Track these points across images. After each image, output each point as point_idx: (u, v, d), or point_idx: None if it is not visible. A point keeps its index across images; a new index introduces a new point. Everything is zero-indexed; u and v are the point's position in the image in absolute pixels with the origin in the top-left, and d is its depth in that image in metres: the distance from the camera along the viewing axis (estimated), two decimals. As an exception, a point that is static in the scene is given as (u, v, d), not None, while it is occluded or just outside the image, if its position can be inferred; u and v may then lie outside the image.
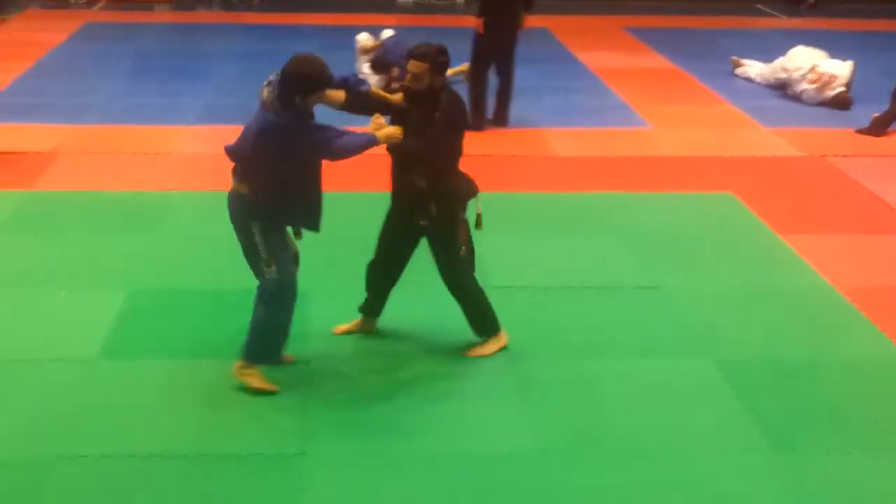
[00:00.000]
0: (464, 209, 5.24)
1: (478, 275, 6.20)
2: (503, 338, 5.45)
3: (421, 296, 5.74)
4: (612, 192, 7.90)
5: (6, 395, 4.93)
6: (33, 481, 4.28)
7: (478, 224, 5.33)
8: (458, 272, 5.29)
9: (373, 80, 10.61)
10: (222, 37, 13.44)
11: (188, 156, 8.62)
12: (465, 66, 11.04)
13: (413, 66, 5.01)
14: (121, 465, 4.37)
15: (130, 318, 5.71)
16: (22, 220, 7.10)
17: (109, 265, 6.39)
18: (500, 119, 9.54)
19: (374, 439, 4.61)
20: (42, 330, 5.55)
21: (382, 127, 4.85)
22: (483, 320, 5.42)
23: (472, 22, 9.42)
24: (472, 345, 5.41)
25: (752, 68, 11.64)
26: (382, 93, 5.29)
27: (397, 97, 5.17)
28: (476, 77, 9.55)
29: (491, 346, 5.41)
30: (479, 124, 9.25)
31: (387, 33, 11.10)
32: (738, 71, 11.79)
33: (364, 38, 11.06)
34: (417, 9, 15.85)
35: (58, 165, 8.23)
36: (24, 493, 4.20)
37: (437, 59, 5.03)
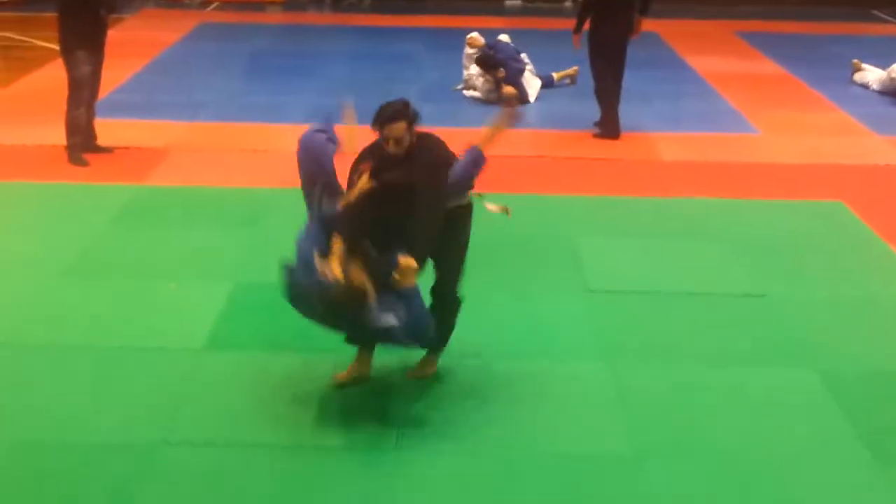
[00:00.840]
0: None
1: (578, 278, 6.21)
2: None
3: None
4: (720, 199, 7.78)
5: (115, 381, 5.07)
6: (139, 465, 4.39)
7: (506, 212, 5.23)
8: (458, 280, 5.03)
9: (479, 82, 10.63)
10: (331, 37, 13.65)
11: (293, 154, 8.72)
12: (572, 69, 11.03)
13: (392, 130, 4.61)
14: (223, 453, 4.45)
15: (235, 310, 5.83)
16: (134, 213, 7.30)
17: (216, 259, 6.54)
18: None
19: (464, 437, 4.60)
20: (151, 320, 5.70)
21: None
22: (447, 334, 5.07)
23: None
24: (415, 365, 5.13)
25: (871, 73, 11.35)
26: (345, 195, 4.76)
27: (362, 182, 4.64)
28: (601, 75, 9.26)
29: (434, 365, 5.10)
30: (615, 130, 9.22)
31: (503, 37, 11.05)
32: (857, 77, 11.50)
33: (475, 37, 11.02)
34: (525, 11, 15.84)
35: (169, 161, 8.45)
36: (130, 477, 4.31)
37: (410, 113, 4.69)
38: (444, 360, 5.13)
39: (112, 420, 4.73)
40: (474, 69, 10.72)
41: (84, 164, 8.25)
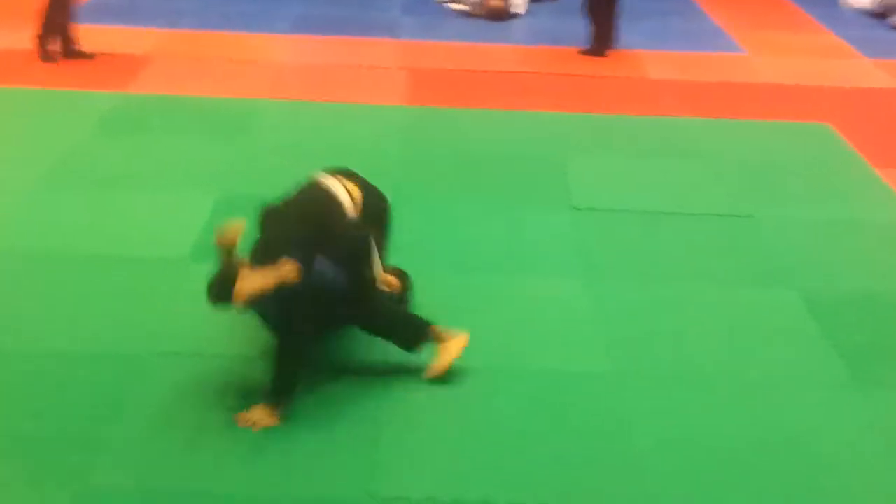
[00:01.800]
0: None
1: (563, 196, 6.21)
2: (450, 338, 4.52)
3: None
4: (707, 118, 7.76)
5: (101, 291, 5.06)
6: (128, 375, 4.40)
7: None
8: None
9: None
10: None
11: (278, 64, 8.66)
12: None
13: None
14: (209, 363, 4.47)
15: (219, 222, 5.78)
16: (114, 122, 7.22)
17: (200, 168, 6.49)
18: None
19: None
20: (135, 230, 5.68)
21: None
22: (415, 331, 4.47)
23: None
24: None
25: (859, -4, 11.25)
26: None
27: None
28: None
29: (454, 347, 4.48)
30: (603, 48, 9.12)
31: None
32: (843, -1, 11.42)
33: None
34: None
35: (152, 68, 8.34)
36: (118, 385, 4.33)
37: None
38: (425, 273, 5.13)
39: (99, 330, 4.72)
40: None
41: (53, 60, 8.18)
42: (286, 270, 3.92)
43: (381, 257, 4.52)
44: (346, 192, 4.46)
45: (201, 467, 3.86)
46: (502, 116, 7.65)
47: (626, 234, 5.89)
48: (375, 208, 4.61)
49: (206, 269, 5.20)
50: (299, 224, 4.25)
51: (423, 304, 4.69)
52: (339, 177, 4.57)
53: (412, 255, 5.21)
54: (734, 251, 5.74)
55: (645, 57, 9.24)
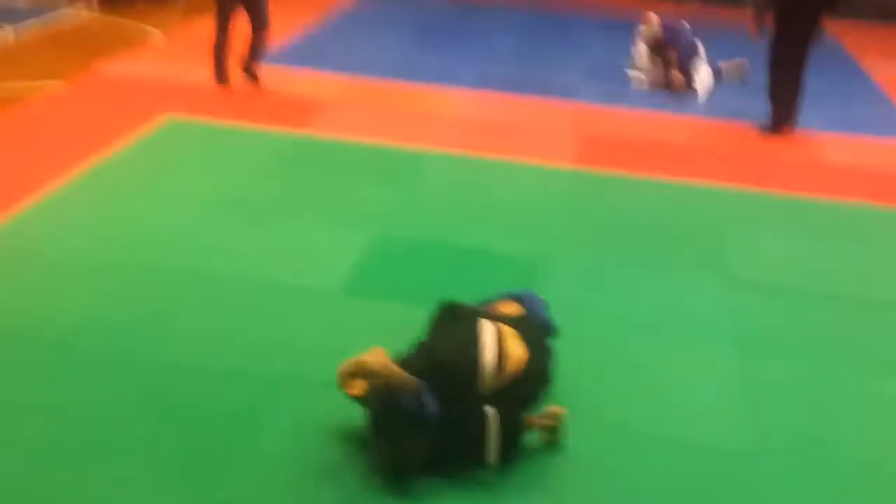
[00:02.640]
0: None
1: (723, 269, 6.09)
2: None
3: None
4: (882, 206, 7.46)
5: (251, 313, 5.23)
6: (264, 396, 4.52)
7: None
8: None
9: (646, 63, 10.40)
10: (500, 13, 13.61)
11: (452, 117, 8.81)
12: (740, 60, 10.69)
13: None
14: (340, 396, 4.51)
15: (372, 260, 5.92)
16: (285, 159, 7.48)
17: (359, 210, 6.64)
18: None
19: (585, 411, 4.55)
20: (289, 260, 5.84)
21: None
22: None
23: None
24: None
25: None
26: None
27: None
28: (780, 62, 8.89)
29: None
30: (781, 127, 8.97)
31: (680, 22, 10.73)
32: None
33: (650, 15, 10.62)
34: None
35: (329, 112, 8.62)
36: (254, 405, 4.46)
37: None
38: (577, 331, 5.09)
39: (243, 350, 4.87)
40: (643, 49, 10.50)
41: (225, 82, 8.79)
42: (407, 379, 3.89)
43: (523, 410, 4.18)
44: (495, 352, 4.03)
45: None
46: (668, 186, 7.56)
47: (783, 312, 5.70)
48: (535, 369, 4.21)
49: (353, 305, 5.36)
50: (432, 368, 4.00)
51: (573, 361, 4.61)
52: (505, 327, 4.16)
53: (567, 314, 5.17)
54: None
55: (823, 139, 8.99)
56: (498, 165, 7.72)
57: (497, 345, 3.99)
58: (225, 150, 7.56)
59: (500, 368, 3.95)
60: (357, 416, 4.18)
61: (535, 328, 4.30)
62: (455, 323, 4.19)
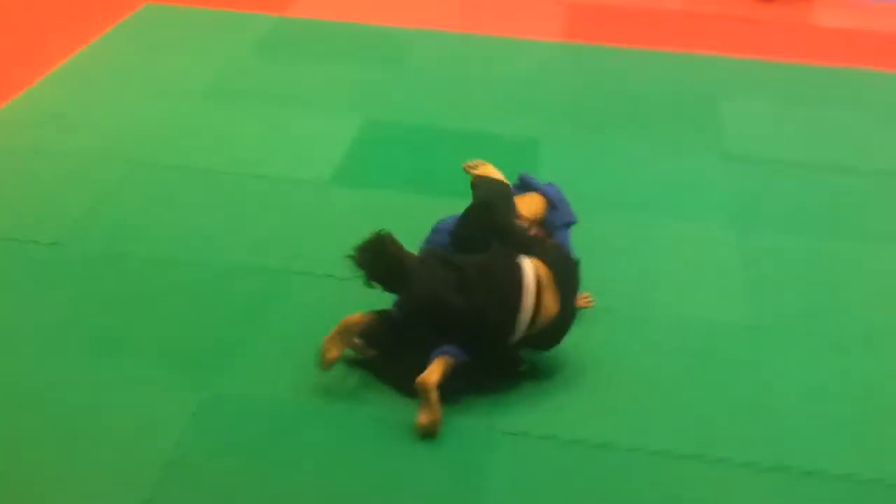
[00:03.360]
0: None
1: (717, 142, 6.02)
2: None
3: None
4: (878, 70, 7.36)
5: (245, 206, 5.18)
6: (265, 288, 4.51)
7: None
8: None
9: None
10: None
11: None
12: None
13: None
14: (340, 286, 4.48)
15: (364, 147, 5.84)
16: (271, 44, 7.32)
17: (348, 94, 6.53)
18: None
19: (588, 288, 4.55)
20: (279, 150, 5.77)
21: None
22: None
23: None
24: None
25: None
26: None
27: None
28: None
29: None
30: None
31: None
32: None
33: None
34: None
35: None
36: (255, 297, 4.45)
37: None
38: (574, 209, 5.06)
39: (240, 244, 4.84)
40: None
41: None
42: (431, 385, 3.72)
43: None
44: (532, 309, 3.79)
45: (325, 387, 3.92)
46: (660, 56, 7.44)
47: (779, 184, 5.67)
48: (561, 321, 3.94)
49: (346, 193, 5.31)
50: (468, 309, 3.77)
51: (572, 240, 4.56)
52: (543, 270, 3.87)
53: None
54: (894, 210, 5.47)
55: (816, 2, 8.82)
56: (486, 42, 7.57)
57: (535, 298, 3.78)
58: (206, 36, 7.39)
59: (531, 324, 3.79)
60: (360, 308, 4.17)
61: (567, 262, 4.07)
62: (492, 247, 3.93)
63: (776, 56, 7.54)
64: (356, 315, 3.90)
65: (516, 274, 3.77)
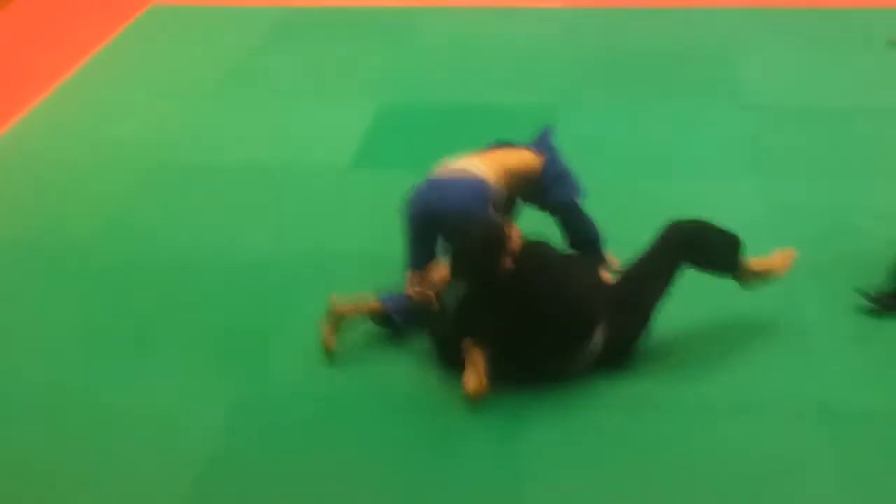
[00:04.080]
0: None
1: (733, 94, 5.97)
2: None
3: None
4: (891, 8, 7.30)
5: (268, 199, 5.18)
6: (290, 279, 4.50)
7: None
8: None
9: None
10: None
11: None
12: None
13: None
14: (368, 265, 4.50)
15: (381, 129, 5.84)
16: (279, 35, 7.31)
17: (361, 78, 6.53)
18: None
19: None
20: (298, 138, 5.78)
21: None
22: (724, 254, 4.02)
23: None
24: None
25: None
26: None
27: None
28: None
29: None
30: None
31: None
32: None
33: None
34: None
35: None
36: (282, 289, 4.45)
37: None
38: (593, 177, 5.01)
39: (265, 234, 4.85)
40: None
41: None
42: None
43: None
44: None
45: (359, 370, 3.94)
46: (668, 14, 7.39)
47: (801, 131, 5.62)
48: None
49: (365, 178, 5.30)
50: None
51: (593, 208, 4.52)
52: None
53: (585, 158, 5.10)
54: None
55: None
56: (492, 14, 7.54)
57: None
58: (215, 32, 7.40)
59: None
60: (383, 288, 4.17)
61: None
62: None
63: (786, 2, 7.47)
64: (344, 305, 3.94)
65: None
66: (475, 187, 3.95)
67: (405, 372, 3.92)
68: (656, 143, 5.57)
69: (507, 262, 3.63)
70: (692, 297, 4.05)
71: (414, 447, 3.58)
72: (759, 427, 3.59)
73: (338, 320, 3.95)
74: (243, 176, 5.40)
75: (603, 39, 6.99)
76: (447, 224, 3.92)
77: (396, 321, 4.02)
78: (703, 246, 3.92)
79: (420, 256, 4.05)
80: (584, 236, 4.31)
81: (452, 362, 3.82)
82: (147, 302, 4.40)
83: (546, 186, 4.19)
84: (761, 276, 4.02)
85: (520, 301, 3.67)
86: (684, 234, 3.92)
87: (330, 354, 3.94)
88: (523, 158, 4.19)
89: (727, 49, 6.70)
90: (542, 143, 4.30)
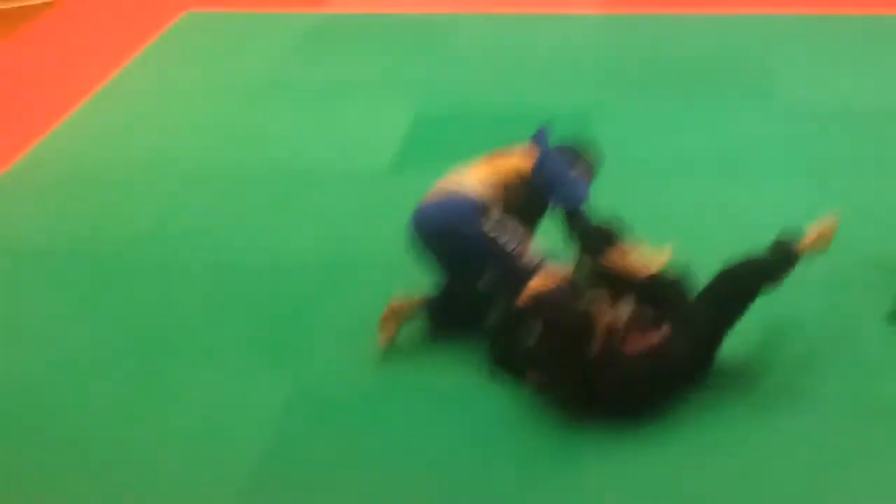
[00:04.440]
0: None
1: (771, 99, 5.94)
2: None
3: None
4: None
5: (303, 203, 5.20)
6: (329, 284, 4.51)
7: None
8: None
9: None
10: None
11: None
12: None
13: None
14: (402, 275, 4.46)
15: (419, 134, 5.85)
16: (313, 42, 7.35)
17: (397, 85, 6.55)
18: None
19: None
20: (336, 144, 5.80)
21: None
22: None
23: None
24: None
25: None
26: None
27: None
28: None
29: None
30: None
31: None
32: None
33: None
34: None
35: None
36: (320, 294, 4.45)
37: None
38: (632, 186, 5.01)
39: (304, 240, 4.86)
40: None
41: None
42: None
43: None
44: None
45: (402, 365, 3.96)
46: (703, 21, 7.39)
47: (848, 135, 5.62)
48: None
49: (404, 183, 5.30)
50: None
51: (637, 217, 4.45)
52: None
53: (627, 165, 5.11)
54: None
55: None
56: (525, 21, 7.56)
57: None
58: (249, 38, 7.45)
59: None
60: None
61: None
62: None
63: (820, 9, 7.45)
64: (403, 302, 3.98)
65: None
66: (461, 209, 3.91)
67: (446, 365, 3.93)
68: (700, 150, 5.55)
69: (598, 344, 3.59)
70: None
71: (460, 438, 3.59)
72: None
73: (398, 317, 3.98)
74: (281, 180, 5.42)
75: (638, 45, 7.00)
76: (444, 246, 3.95)
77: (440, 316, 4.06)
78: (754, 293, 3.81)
79: (453, 271, 4.03)
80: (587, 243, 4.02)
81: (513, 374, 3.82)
82: (186, 306, 4.41)
83: (540, 189, 4.02)
84: (807, 252, 3.93)
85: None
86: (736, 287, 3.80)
87: (383, 350, 3.96)
88: (515, 163, 4.10)
89: (762, 55, 6.69)
90: (537, 144, 4.17)
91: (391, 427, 3.65)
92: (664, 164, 5.39)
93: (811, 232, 3.95)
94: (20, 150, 5.82)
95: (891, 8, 7.39)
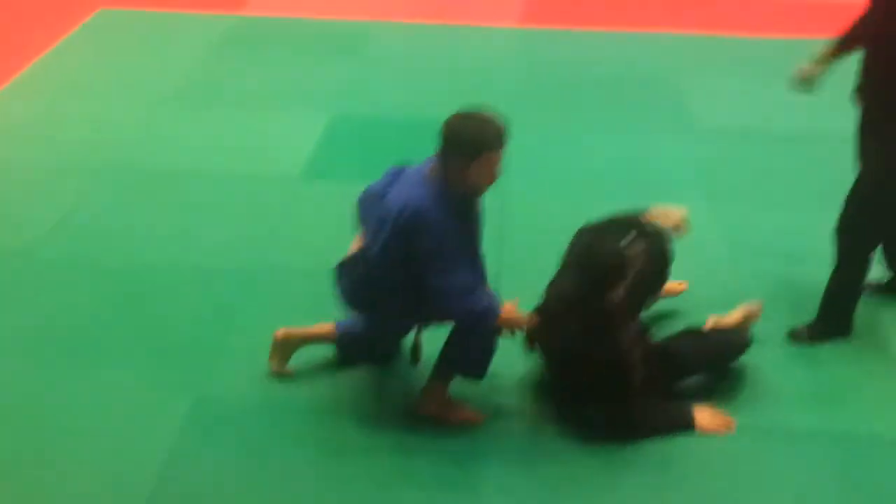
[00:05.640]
0: None
1: (683, 118, 6.02)
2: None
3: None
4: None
5: (216, 207, 5.15)
6: (240, 287, 4.47)
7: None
8: None
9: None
10: None
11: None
12: None
13: None
14: (316, 280, 4.46)
15: (331, 141, 5.83)
16: (230, 44, 7.28)
17: (312, 90, 6.52)
18: None
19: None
20: (248, 149, 5.75)
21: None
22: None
23: None
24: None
25: None
26: None
27: None
28: None
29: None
30: None
31: None
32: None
33: None
34: None
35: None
36: (232, 297, 4.41)
37: None
38: (543, 201, 5.03)
39: (213, 244, 4.81)
40: None
41: None
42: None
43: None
44: None
45: (310, 381, 3.91)
46: (619, 38, 7.49)
47: (747, 157, 5.72)
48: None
49: (317, 188, 5.28)
50: None
51: (544, 233, 4.49)
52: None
53: (528, 182, 5.13)
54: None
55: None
56: (444, 31, 7.59)
57: None
58: (163, 39, 7.36)
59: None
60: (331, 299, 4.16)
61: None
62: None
63: (732, 31, 7.60)
64: (291, 334, 3.89)
65: None
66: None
67: (356, 383, 3.91)
68: (604, 167, 5.62)
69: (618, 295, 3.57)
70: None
71: (369, 456, 3.56)
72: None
73: (285, 350, 3.90)
74: (192, 183, 5.36)
75: (554, 61, 7.07)
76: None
77: (351, 351, 3.97)
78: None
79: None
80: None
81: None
82: (91, 308, 4.33)
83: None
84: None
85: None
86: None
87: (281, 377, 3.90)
88: None
89: (676, 75, 6.81)
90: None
91: (296, 448, 3.59)
92: (574, 178, 5.45)
93: (736, 313, 4.05)
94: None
95: (801, 32, 7.55)
